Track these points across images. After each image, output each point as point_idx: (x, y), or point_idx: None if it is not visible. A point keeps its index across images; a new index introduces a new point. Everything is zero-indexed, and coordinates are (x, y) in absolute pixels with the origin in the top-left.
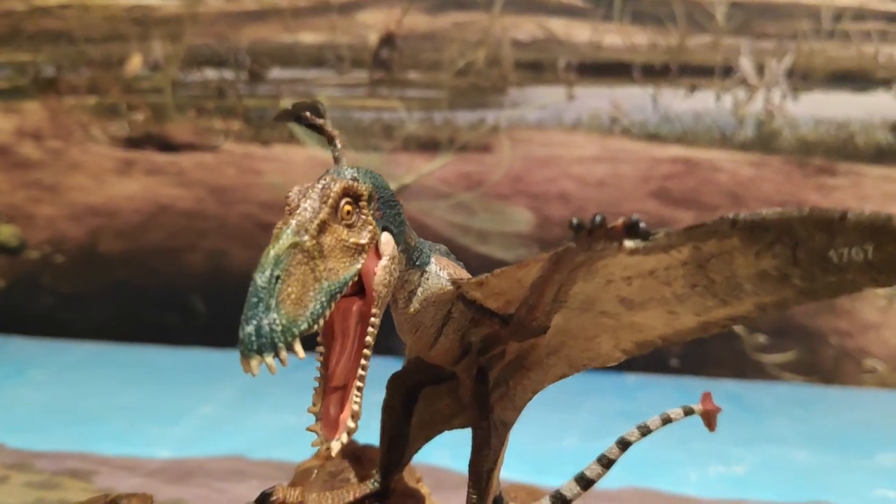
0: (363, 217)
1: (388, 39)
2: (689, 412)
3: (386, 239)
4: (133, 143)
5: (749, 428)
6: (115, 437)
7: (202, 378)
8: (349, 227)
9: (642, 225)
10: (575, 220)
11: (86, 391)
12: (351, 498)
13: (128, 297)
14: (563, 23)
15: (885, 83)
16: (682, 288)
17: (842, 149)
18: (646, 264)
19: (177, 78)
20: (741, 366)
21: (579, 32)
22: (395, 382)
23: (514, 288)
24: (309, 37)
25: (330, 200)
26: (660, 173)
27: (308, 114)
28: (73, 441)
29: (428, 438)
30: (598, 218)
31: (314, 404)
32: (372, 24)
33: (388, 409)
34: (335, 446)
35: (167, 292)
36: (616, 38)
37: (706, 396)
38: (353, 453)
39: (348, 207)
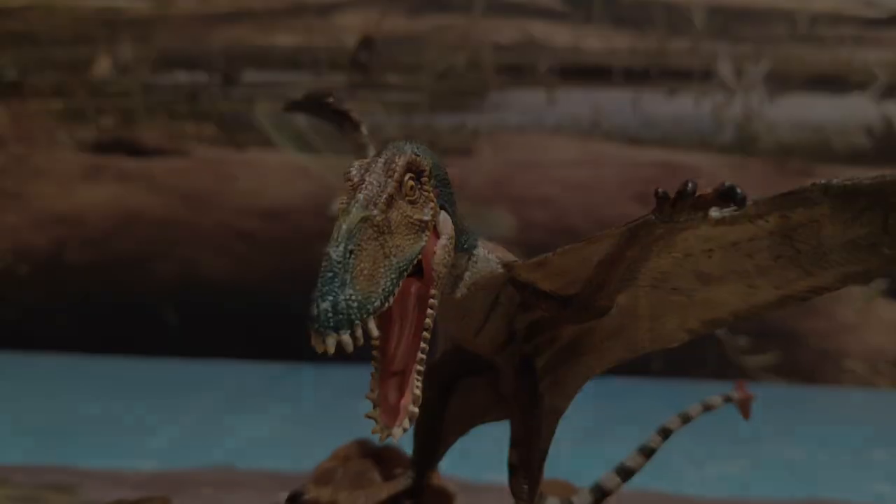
0: (425, 193)
1: (366, 42)
2: (727, 399)
3: (444, 218)
4: (101, 148)
5: (740, 428)
6: (94, 449)
7: (177, 389)
8: (412, 203)
9: (739, 190)
10: (660, 190)
11: (57, 404)
12: (384, 495)
13: (96, 309)
14: (543, 26)
15: (861, 87)
16: (765, 260)
17: (819, 151)
18: (729, 235)
19: (147, 81)
20: (723, 368)
21: (559, 36)
22: (430, 374)
23: (579, 267)
24: (285, 39)
25: (396, 175)
26: (640, 177)
27: (332, 100)
28: (49, 454)
29: (463, 432)
30: (690, 185)
31: (371, 390)
32: (350, 27)
33: (423, 401)
34: (397, 433)
35: (138, 303)
36: (596, 41)
37: (740, 385)
38: (375, 453)
39: (411, 183)
